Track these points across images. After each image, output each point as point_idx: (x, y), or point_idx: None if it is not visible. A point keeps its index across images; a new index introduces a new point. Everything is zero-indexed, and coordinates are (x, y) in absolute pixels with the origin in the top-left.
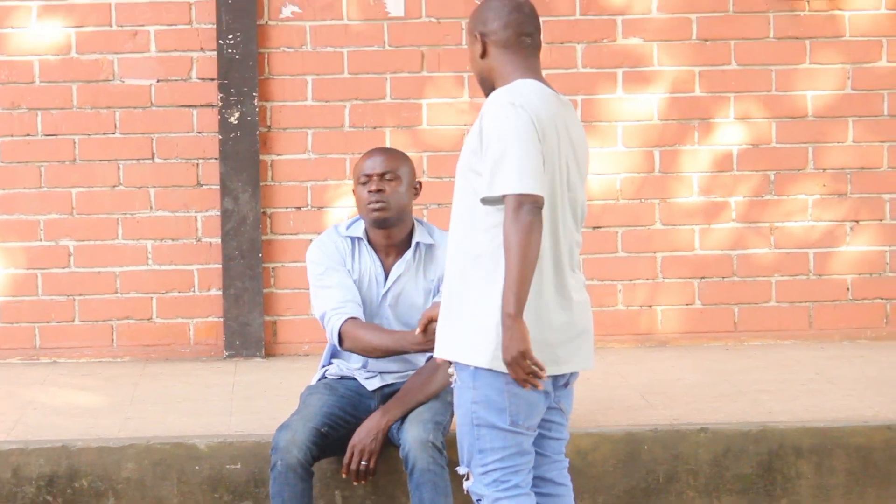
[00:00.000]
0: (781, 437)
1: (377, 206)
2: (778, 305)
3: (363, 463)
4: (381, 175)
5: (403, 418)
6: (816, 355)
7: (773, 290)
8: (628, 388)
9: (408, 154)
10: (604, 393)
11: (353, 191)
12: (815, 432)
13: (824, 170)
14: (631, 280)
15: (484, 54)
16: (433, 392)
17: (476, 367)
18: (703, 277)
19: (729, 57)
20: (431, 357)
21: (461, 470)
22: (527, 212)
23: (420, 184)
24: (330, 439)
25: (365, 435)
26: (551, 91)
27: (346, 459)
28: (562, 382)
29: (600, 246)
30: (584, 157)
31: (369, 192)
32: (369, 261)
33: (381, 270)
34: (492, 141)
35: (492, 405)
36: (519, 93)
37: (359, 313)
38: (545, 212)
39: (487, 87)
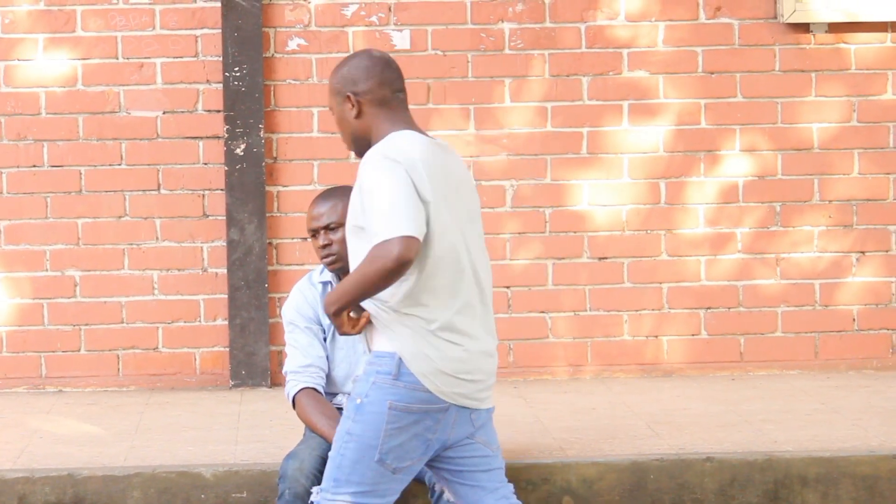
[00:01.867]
0: (787, 467)
1: (328, 260)
2: (784, 336)
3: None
4: (326, 227)
5: None
6: (822, 385)
7: (779, 320)
8: (634, 418)
9: None
10: (609, 422)
11: None
12: (821, 461)
13: (830, 201)
14: (637, 310)
15: (359, 114)
16: None
17: (362, 402)
18: (708, 308)
19: (735, 89)
20: None
21: (314, 490)
22: (394, 257)
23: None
24: None
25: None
26: (429, 138)
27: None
28: (479, 423)
29: (606, 276)
30: (471, 196)
31: (318, 248)
32: None
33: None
34: (372, 194)
35: (364, 440)
36: (395, 146)
37: (318, 379)
38: (455, 254)
39: (363, 145)
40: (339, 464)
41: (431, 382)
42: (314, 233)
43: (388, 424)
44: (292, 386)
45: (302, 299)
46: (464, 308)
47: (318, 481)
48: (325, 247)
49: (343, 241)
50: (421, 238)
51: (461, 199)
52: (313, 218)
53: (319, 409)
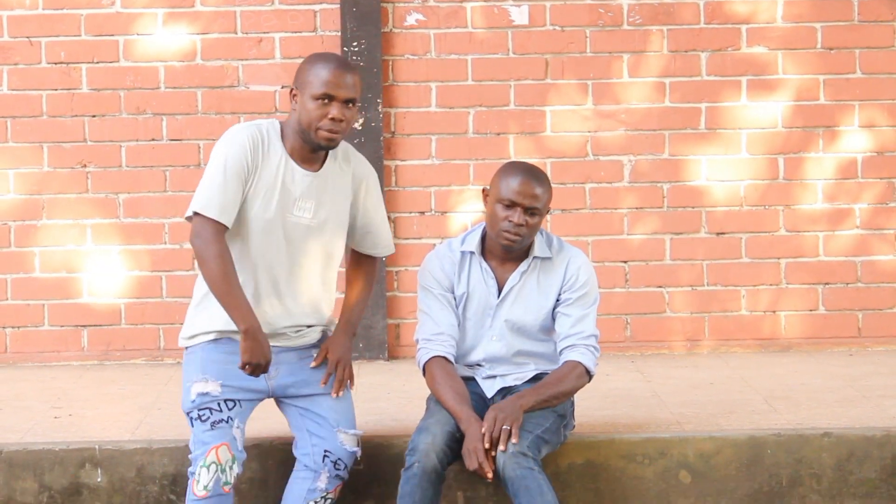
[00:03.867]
0: None
1: (512, 237)
2: None
3: (505, 427)
4: (527, 209)
5: None
6: None
7: None
8: (751, 393)
9: (531, 160)
10: (727, 397)
11: (487, 199)
12: None
13: None
14: (755, 285)
15: None
16: (567, 390)
17: None
18: (826, 283)
19: (854, 65)
20: (566, 363)
21: None
22: None
23: (549, 209)
24: (460, 444)
25: (508, 408)
26: None
27: (486, 428)
28: None
29: (724, 252)
30: None
31: (509, 220)
32: (480, 275)
33: (493, 282)
34: None
35: None
36: None
37: (449, 348)
38: None
39: None
40: None
41: None
42: (511, 204)
43: None
44: (423, 354)
45: (438, 265)
46: None
47: (446, 458)
48: (517, 225)
49: (532, 229)
50: None
51: None
52: (518, 192)
53: (449, 382)
